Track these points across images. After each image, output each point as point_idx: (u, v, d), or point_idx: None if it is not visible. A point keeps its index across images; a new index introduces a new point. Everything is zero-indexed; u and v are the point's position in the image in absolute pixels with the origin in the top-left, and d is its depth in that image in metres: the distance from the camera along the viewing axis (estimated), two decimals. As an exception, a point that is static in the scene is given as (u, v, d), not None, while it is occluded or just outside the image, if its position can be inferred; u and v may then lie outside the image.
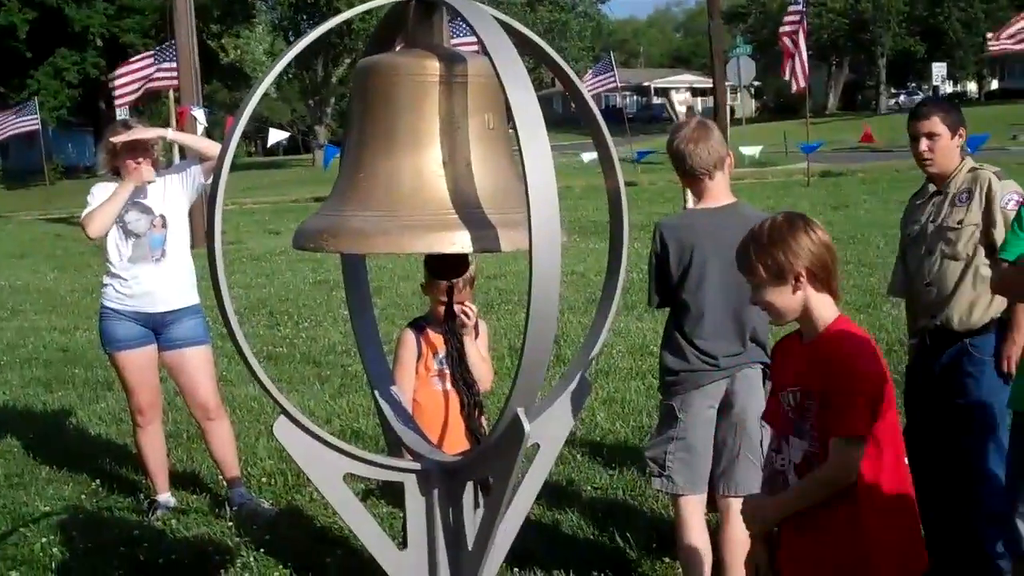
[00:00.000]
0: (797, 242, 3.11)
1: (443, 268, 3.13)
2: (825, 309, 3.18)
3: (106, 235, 6.08)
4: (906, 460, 3.26)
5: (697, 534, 4.46)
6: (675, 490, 4.47)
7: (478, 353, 4.51)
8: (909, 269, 5.10)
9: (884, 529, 3.12)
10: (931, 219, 4.96)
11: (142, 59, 25.97)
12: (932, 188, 5.03)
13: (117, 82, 25.74)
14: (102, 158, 6.16)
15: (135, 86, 25.26)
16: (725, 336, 4.39)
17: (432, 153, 2.92)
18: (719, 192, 4.48)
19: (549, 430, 3.21)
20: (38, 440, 7.92)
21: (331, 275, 15.15)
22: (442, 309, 4.44)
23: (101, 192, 6.10)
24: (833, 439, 3.05)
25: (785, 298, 3.15)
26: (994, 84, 75.94)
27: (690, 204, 4.96)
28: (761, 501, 3.28)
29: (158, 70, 24.64)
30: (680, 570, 4.82)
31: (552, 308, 2.71)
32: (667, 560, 5.13)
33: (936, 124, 4.85)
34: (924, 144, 4.89)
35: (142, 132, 6.02)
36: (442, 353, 4.53)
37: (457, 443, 4.21)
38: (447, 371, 4.49)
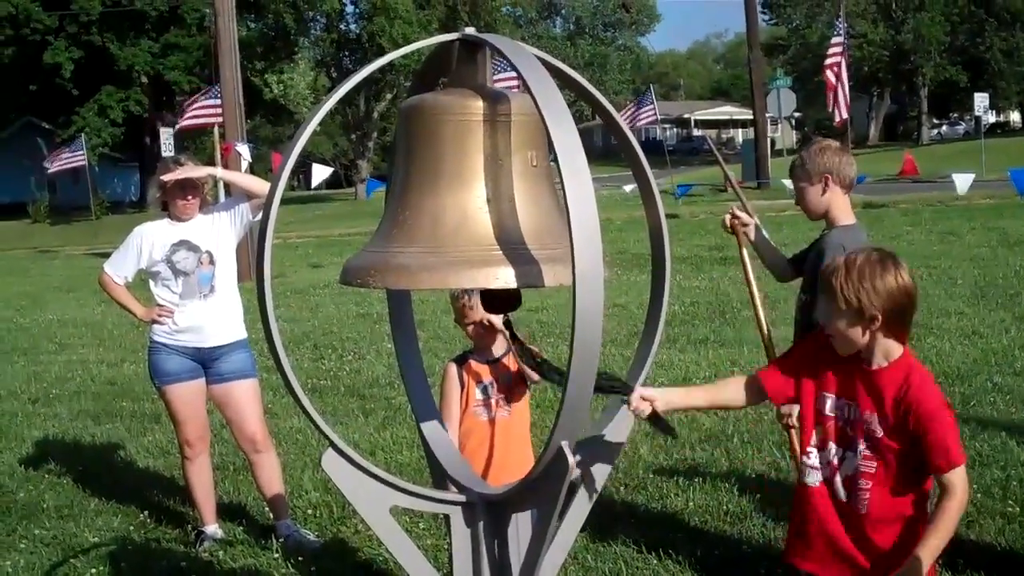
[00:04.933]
0: (884, 284, 3.18)
1: (497, 303, 3.18)
2: (891, 348, 3.28)
3: (152, 280, 6.24)
4: None
5: None
6: None
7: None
8: None
9: None
10: None
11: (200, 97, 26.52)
12: None
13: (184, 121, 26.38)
14: (153, 194, 6.30)
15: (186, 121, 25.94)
16: None
17: (476, 190, 2.97)
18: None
19: (593, 463, 3.25)
20: (87, 472, 8.02)
21: (374, 308, 15.23)
22: (480, 340, 4.63)
23: (138, 238, 6.23)
24: (952, 471, 3.17)
25: (855, 333, 3.25)
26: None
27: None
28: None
29: (202, 106, 25.05)
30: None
31: (595, 344, 2.75)
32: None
33: None
34: None
35: (192, 171, 6.13)
36: (486, 381, 4.61)
37: (502, 474, 4.26)
38: (491, 400, 4.58)
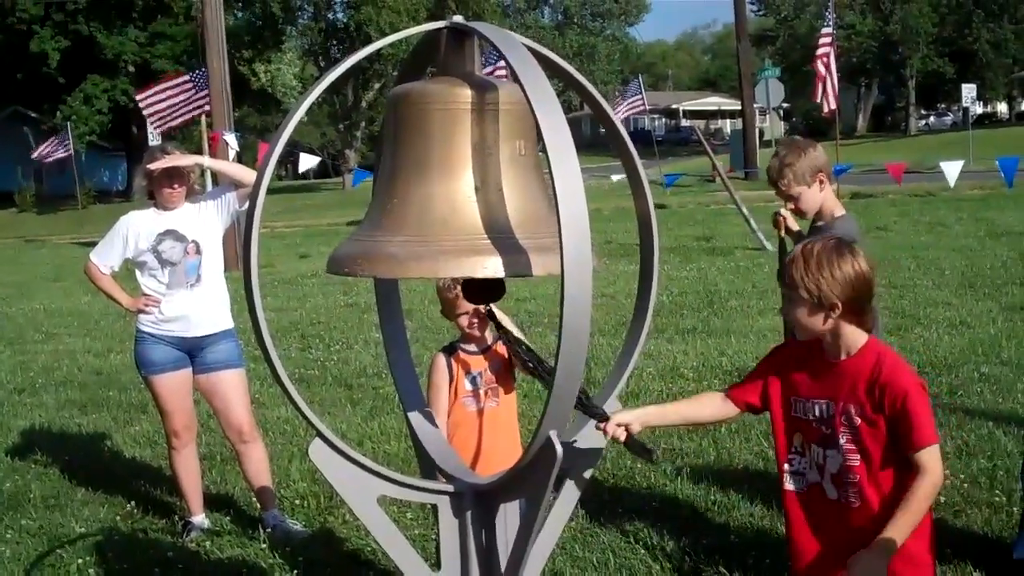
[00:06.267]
0: (842, 272, 3.23)
1: (478, 293, 3.17)
2: (854, 335, 3.31)
3: (138, 269, 6.22)
4: None
5: None
6: None
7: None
8: None
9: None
10: None
11: (174, 84, 25.61)
12: None
13: (147, 104, 25.34)
14: (139, 183, 6.29)
15: (167, 112, 24.98)
16: None
17: (464, 179, 2.96)
18: None
19: (581, 453, 3.24)
20: (74, 462, 7.99)
21: (362, 298, 15.22)
22: (468, 331, 4.58)
23: (124, 227, 6.20)
24: (923, 451, 3.19)
25: (815, 321, 3.28)
26: (1024, 105, 75.60)
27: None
28: (873, 559, 3.16)
29: (194, 99, 24.46)
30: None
31: (583, 334, 2.74)
32: (698, 582, 5.15)
33: None
34: None
35: (179, 159, 6.10)
36: (475, 372, 4.58)
37: (490, 464, 4.24)
38: (480, 391, 4.55)
